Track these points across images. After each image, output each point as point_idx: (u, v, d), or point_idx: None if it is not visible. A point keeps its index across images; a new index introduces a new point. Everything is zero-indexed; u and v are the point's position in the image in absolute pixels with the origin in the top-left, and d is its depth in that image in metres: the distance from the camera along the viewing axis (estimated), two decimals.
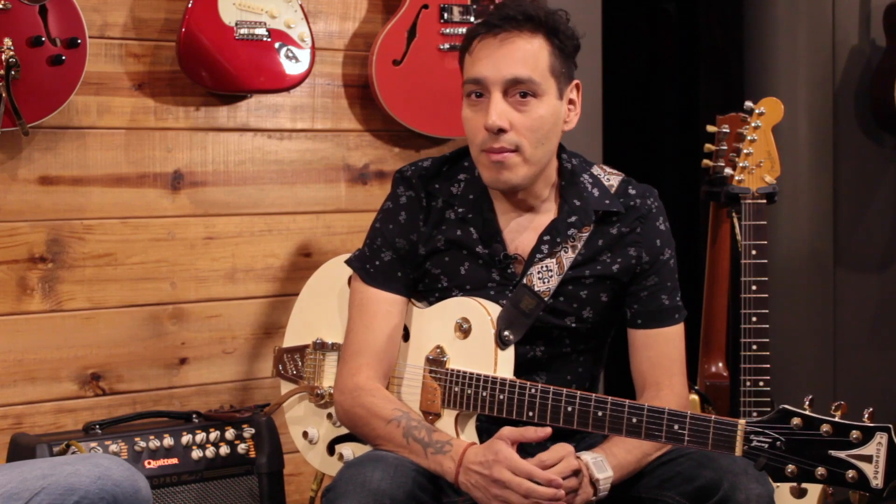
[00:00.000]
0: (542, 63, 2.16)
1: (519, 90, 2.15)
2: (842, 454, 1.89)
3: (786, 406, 1.93)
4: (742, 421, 1.95)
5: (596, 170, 2.32)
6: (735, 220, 2.83)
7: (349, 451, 2.38)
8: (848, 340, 3.97)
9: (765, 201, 2.74)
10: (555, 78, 2.18)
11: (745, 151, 2.75)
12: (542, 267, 2.24)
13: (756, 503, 2.00)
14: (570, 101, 2.24)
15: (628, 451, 2.13)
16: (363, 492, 1.99)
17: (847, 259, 3.99)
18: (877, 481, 1.87)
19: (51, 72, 2.60)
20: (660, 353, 2.27)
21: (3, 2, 2.53)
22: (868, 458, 1.88)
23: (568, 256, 2.24)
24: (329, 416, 2.44)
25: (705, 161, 2.84)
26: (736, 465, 2.03)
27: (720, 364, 2.95)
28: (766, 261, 2.71)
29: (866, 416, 1.90)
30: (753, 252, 2.72)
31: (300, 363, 2.51)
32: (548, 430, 2.05)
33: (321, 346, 2.46)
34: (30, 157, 2.73)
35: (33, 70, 2.57)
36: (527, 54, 2.15)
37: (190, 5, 2.77)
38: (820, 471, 1.90)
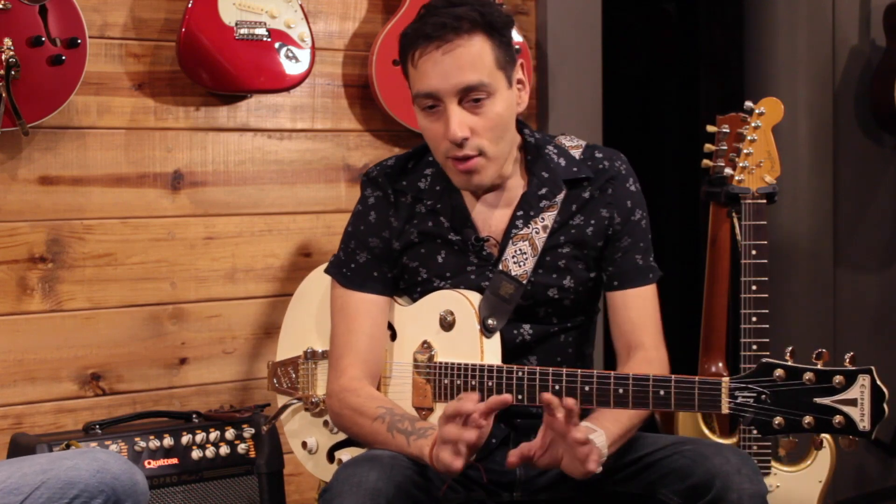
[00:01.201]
0: (487, 61, 2.15)
1: (472, 95, 2.15)
2: (826, 400, 1.89)
3: (768, 359, 1.93)
4: (726, 378, 1.95)
5: (559, 140, 2.34)
6: (735, 220, 2.83)
7: (348, 456, 2.37)
8: (848, 340, 3.97)
9: (765, 201, 2.74)
10: (502, 70, 2.18)
11: (745, 151, 2.74)
12: (516, 251, 2.25)
13: (748, 502, 2.00)
14: (519, 82, 2.25)
15: (614, 421, 2.12)
16: (359, 492, 1.99)
17: (847, 259, 3.99)
18: (864, 423, 1.87)
19: (51, 72, 2.60)
20: (640, 313, 2.28)
21: (3, 2, 2.53)
22: (853, 402, 1.88)
23: (540, 237, 2.25)
24: (325, 423, 2.44)
25: (705, 161, 2.84)
26: (729, 464, 2.03)
27: (720, 364, 2.95)
28: (766, 261, 2.71)
29: (847, 360, 1.90)
30: (753, 252, 2.72)
31: (294, 375, 2.51)
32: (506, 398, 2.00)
33: (312, 356, 2.47)
34: (30, 157, 2.73)
35: (33, 70, 2.57)
36: (472, 58, 2.14)
37: (190, 5, 2.77)
38: (807, 419, 1.90)
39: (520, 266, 2.24)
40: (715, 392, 1.96)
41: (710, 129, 2.82)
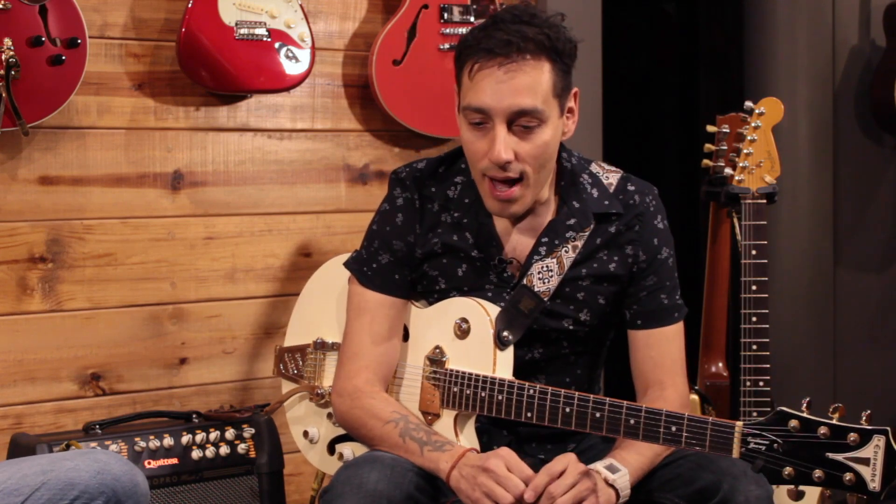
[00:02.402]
0: (545, 88, 2.10)
1: (523, 121, 2.10)
2: (839, 457, 1.89)
3: (783, 408, 1.93)
4: (739, 423, 1.95)
5: (595, 167, 2.30)
6: (735, 220, 2.83)
7: (349, 450, 2.38)
8: (848, 340, 3.97)
9: (765, 201, 2.74)
10: (557, 98, 2.13)
11: (745, 151, 2.75)
12: (542, 267, 2.23)
13: None
14: (569, 110, 2.20)
15: (639, 454, 2.12)
16: (360, 493, 1.99)
17: (847, 259, 3.99)
18: (874, 484, 1.87)
19: (51, 72, 2.60)
20: (661, 352, 2.26)
21: (3, 2, 2.53)
22: (865, 461, 1.87)
23: (569, 256, 2.23)
24: (329, 415, 2.44)
25: (705, 161, 2.84)
26: (735, 467, 2.02)
27: (720, 364, 2.96)
28: (766, 261, 2.71)
29: (864, 418, 1.90)
30: (753, 252, 2.72)
31: (301, 362, 2.51)
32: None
33: (322, 346, 2.46)
34: (30, 157, 2.73)
35: (33, 70, 2.57)
36: (531, 83, 2.09)
37: (190, 5, 2.77)
38: (817, 473, 1.90)
39: (544, 283, 2.23)
40: (728, 435, 1.96)
41: (710, 129, 2.82)
